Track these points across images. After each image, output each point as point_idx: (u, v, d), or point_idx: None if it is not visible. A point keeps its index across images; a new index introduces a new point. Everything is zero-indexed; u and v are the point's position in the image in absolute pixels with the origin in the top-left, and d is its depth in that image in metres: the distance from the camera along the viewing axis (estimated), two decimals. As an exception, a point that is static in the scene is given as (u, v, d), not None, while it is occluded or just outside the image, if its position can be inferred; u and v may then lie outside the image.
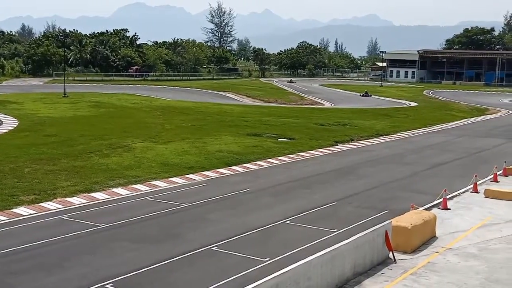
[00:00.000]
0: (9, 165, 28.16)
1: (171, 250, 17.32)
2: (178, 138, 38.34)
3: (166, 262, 16.32)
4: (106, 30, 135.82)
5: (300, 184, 27.28)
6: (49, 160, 29.61)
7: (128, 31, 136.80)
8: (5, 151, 31.68)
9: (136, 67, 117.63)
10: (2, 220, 19.98)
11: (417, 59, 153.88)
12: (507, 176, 29.41)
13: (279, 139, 40.22)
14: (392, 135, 46.21)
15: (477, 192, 25.46)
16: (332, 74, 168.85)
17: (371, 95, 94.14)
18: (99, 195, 23.79)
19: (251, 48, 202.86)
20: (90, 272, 15.49)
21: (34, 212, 21.13)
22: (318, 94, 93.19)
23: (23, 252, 16.90)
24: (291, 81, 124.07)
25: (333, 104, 77.90)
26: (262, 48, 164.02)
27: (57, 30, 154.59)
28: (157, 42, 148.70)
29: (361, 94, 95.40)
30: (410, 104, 79.72)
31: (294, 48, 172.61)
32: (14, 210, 21.17)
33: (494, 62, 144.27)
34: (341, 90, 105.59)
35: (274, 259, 16.55)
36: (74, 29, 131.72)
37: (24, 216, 20.57)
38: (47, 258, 16.58)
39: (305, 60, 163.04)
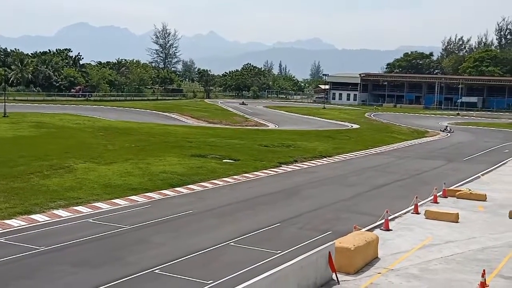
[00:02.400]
0: None
1: (113, 273, 16.98)
2: (121, 159, 37.83)
3: (107, 285, 15.98)
4: (49, 50, 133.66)
5: (244, 206, 27.26)
6: (-14, 182, 28.71)
7: (71, 51, 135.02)
8: None
9: (79, 87, 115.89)
10: None
11: (359, 82, 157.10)
12: (446, 197, 30.12)
13: (223, 160, 40.17)
14: (335, 157, 46.79)
15: (417, 213, 25.93)
16: (276, 96, 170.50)
17: (247, 104, 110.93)
18: (39, 217, 23.18)
19: (196, 69, 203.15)
20: (28, 297, 15.03)
21: (-30, 235, 20.41)
22: (263, 116, 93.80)
23: (-43, 277, 16.28)
24: (243, 103, 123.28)
25: (277, 126, 78.50)
26: (207, 70, 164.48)
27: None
28: (100, 62, 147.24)
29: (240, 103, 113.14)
30: (352, 126, 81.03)
31: (239, 70, 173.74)
32: None
33: (433, 86, 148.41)
34: (285, 112, 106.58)
35: (218, 282, 16.43)
36: (15, 48, 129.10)
37: (-41, 240, 19.85)
38: (-18, 283, 16.02)
39: (249, 82, 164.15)
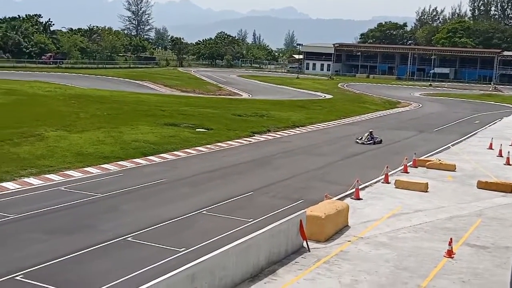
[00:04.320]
0: None
1: (85, 241, 16.99)
2: (93, 127, 37.55)
3: (79, 253, 16.01)
4: (18, 15, 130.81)
5: (217, 175, 27.34)
6: (-45, 149, 28.35)
7: (42, 17, 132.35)
8: None
9: (50, 54, 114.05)
10: None
11: (333, 52, 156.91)
12: (416, 167, 30.53)
13: (196, 129, 40.12)
14: (307, 127, 47.04)
15: (388, 182, 26.28)
16: (250, 65, 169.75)
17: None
18: (10, 185, 22.99)
19: (169, 37, 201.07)
20: (-1, 264, 15.01)
21: None
22: (236, 85, 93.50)
23: None
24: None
25: (251, 95, 78.38)
26: (180, 38, 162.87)
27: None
28: (72, 29, 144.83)
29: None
30: (325, 96, 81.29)
31: (213, 38, 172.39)
32: None
33: (406, 57, 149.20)
34: (259, 82, 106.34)
35: (190, 249, 16.55)
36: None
37: None
38: (-48, 250, 15.91)
39: (223, 50, 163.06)
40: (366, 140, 38.76)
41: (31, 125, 36.49)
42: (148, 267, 15.07)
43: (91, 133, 35.18)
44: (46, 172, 25.30)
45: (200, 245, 16.91)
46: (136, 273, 14.68)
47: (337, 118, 54.34)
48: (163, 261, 15.59)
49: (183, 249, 16.59)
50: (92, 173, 26.06)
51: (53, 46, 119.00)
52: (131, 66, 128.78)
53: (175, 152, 32.04)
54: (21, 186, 23.02)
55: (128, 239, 17.34)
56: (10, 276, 14.15)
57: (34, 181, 23.94)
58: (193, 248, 16.61)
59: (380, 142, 39.37)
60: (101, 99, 54.96)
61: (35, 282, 13.92)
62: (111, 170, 26.92)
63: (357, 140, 39.00)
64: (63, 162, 27.27)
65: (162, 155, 31.09)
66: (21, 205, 20.32)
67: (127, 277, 14.42)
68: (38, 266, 14.85)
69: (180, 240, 17.46)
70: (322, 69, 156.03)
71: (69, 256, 15.69)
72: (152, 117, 44.06)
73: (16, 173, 24.72)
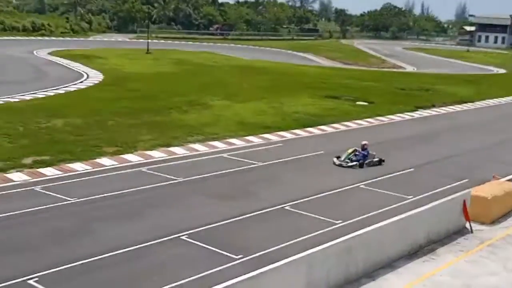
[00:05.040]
0: (94, 117, 29.28)
1: (245, 207, 17.52)
2: (255, 97, 38.47)
3: (239, 218, 16.55)
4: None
5: (376, 149, 26.75)
6: (131, 114, 30.48)
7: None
8: (91, 104, 32.90)
9: (217, 25, 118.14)
10: (86, 169, 20.78)
11: (509, 24, 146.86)
12: None
13: (357, 103, 39.69)
14: (477, 103, 44.66)
15: None
16: (416, 37, 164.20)
17: None
18: (178, 150, 24.27)
19: (333, 8, 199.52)
20: (166, 223, 15.91)
21: (116, 163, 21.82)
22: (401, 58, 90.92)
23: (103, 200, 17.54)
24: None
25: (416, 69, 75.95)
26: (344, 9, 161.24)
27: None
28: (238, 1, 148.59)
29: None
30: (498, 71, 76.74)
31: (378, 9, 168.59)
32: (97, 160, 21.94)
33: None
34: (425, 54, 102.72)
35: (347, 222, 16.48)
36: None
37: (106, 167, 21.28)
38: (125, 207, 17.14)
39: (388, 22, 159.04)
40: (347, 159, 23.39)
41: (198, 94, 38.21)
42: (304, 237, 15.22)
43: (254, 103, 36.07)
44: (211, 139, 26.37)
45: (357, 218, 16.77)
46: (292, 241, 14.88)
47: (510, 94, 51.06)
48: (319, 231, 15.66)
49: (339, 221, 16.56)
50: (253, 142, 26.74)
51: (221, 18, 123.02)
52: (294, 38, 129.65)
53: (334, 125, 31.92)
54: (188, 152, 24.19)
55: (286, 208, 17.62)
56: (176, 235, 14.94)
57: (199, 147, 25.05)
58: (350, 221, 16.52)
59: (379, 162, 23.75)
60: (264, 70, 56.10)
61: (198, 243, 14.60)
62: (271, 140, 27.45)
63: (334, 160, 23.48)
64: (226, 131, 28.27)
65: (321, 127, 31.13)
66: (188, 170, 21.36)
67: (283, 244, 14.66)
68: (202, 228, 15.54)
69: (337, 212, 17.42)
70: (495, 42, 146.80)
71: (230, 221, 16.27)
72: (313, 89, 44.21)
73: (183, 139, 26.05)
